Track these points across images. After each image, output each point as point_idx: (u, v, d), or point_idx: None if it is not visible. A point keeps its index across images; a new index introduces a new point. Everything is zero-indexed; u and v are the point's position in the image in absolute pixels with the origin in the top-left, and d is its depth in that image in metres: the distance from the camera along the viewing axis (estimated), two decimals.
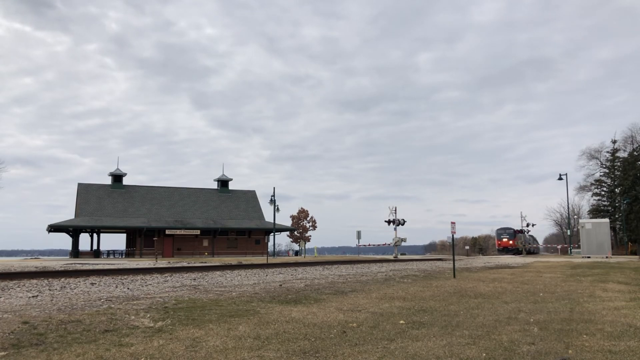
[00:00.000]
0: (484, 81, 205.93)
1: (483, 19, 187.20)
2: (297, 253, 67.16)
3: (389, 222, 40.10)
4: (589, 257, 36.36)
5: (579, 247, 44.75)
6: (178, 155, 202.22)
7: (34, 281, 9.40)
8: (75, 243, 48.48)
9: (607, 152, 71.08)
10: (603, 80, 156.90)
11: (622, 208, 61.60)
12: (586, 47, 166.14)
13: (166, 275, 12.05)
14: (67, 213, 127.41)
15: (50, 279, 9.95)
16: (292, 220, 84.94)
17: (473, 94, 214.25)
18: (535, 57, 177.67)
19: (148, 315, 5.44)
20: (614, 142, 69.70)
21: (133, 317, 5.32)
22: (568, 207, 57.54)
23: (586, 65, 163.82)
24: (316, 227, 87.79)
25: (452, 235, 15.09)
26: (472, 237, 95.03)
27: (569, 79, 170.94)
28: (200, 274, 12.71)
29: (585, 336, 4.94)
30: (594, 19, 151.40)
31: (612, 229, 61.65)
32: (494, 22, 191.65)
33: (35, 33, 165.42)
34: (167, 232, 48.53)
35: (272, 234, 51.59)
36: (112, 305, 6.08)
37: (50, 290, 7.87)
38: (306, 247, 60.34)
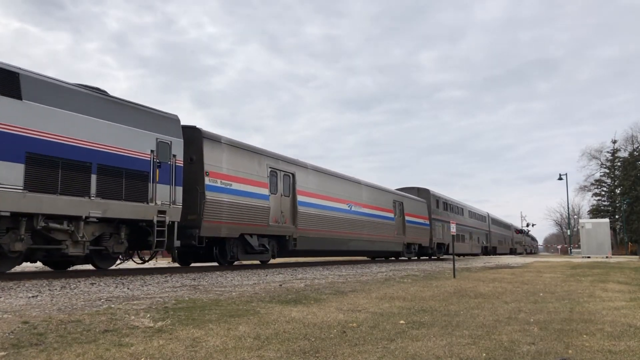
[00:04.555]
0: (486, 80, 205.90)
1: (486, 17, 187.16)
2: None
3: None
4: (589, 257, 36.39)
5: (579, 247, 44.78)
6: None
7: (34, 281, 9.39)
8: None
9: (608, 152, 71.21)
10: (607, 79, 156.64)
11: (622, 208, 61.63)
12: (590, 46, 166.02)
13: (166, 275, 12.05)
14: None
15: (50, 279, 9.95)
16: None
17: (475, 93, 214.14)
18: (538, 56, 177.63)
19: (148, 315, 5.44)
20: (614, 142, 69.81)
21: (133, 317, 5.32)
22: (568, 207, 57.60)
23: (590, 64, 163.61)
24: None
25: (452, 236, 15.10)
26: None
27: (573, 77, 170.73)
28: (200, 274, 12.71)
29: (585, 336, 4.94)
30: (598, 18, 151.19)
31: (612, 229, 61.75)
32: (497, 21, 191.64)
33: (34, 31, 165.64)
34: None
35: None
36: (112, 305, 6.08)
37: (50, 290, 7.87)
38: None
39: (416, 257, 31.43)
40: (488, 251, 49.43)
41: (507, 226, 63.56)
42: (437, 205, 33.17)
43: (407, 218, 27.35)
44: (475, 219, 44.42)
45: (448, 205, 36.01)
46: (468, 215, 41.74)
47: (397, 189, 30.03)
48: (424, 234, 29.98)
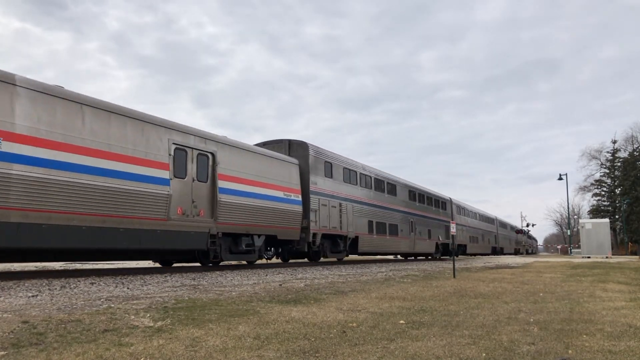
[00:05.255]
0: (487, 80, 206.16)
1: (487, 17, 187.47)
2: None
3: None
4: (589, 257, 36.41)
5: (579, 247, 44.80)
6: None
7: (34, 281, 9.39)
8: None
9: (607, 152, 71.27)
10: (608, 79, 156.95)
11: (622, 208, 61.65)
12: (591, 46, 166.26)
13: (166, 274, 12.05)
14: None
15: (50, 279, 9.95)
16: None
17: (476, 93, 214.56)
18: (539, 55, 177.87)
19: (148, 315, 5.44)
20: (614, 142, 69.87)
21: (133, 317, 5.32)
22: (568, 207, 57.60)
23: (591, 64, 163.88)
24: None
25: (453, 236, 15.11)
26: None
27: (573, 77, 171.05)
28: (200, 273, 12.71)
29: (585, 336, 4.94)
30: (598, 18, 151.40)
31: (613, 229, 61.78)
32: (497, 21, 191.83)
33: (35, 31, 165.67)
34: None
35: None
36: (112, 305, 6.08)
37: (50, 289, 7.87)
38: None
39: (279, 260, 19.60)
40: (450, 250, 35.10)
41: (487, 219, 50.11)
42: (327, 171, 19.68)
43: (227, 186, 14.41)
44: (423, 203, 30.86)
45: (357, 175, 22.12)
46: (407, 196, 28.28)
47: (257, 144, 18.75)
48: (288, 218, 16.93)
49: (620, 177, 66.71)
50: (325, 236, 19.19)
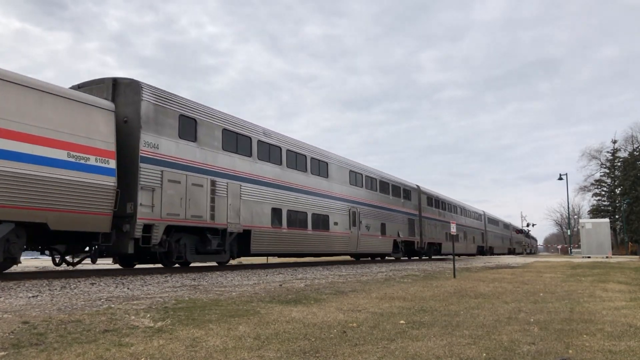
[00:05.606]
0: (487, 80, 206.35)
1: (487, 17, 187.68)
2: None
3: None
4: (589, 257, 36.42)
5: (579, 247, 44.78)
6: None
7: (34, 281, 9.39)
8: None
9: (607, 152, 71.27)
10: (608, 79, 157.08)
11: (622, 208, 61.64)
12: (591, 46, 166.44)
13: (166, 275, 12.05)
14: None
15: (50, 279, 9.95)
16: None
17: (476, 93, 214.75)
18: (539, 55, 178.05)
19: (148, 315, 5.44)
20: (614, 142, 69.88)
21: (133, 317, 5.32)
22: (568, 207, 57.57)
23: (591, 64, 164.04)
24: None
25: (453, 236, 15.11)
26: None
27: (573, 77, 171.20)
28: (200, 274, 12.71)
29: (585, 336, 4.94)
30: (599, 18, 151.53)
31: (613, 229, 61.75)
32: (498, 21, 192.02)
33: (35, 31, 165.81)
34: None
35: None
36: (112, 305, 6.08)
37: (50, 290, 7.87)
38: None
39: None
40: (417, 249, 28.86)
41: (471, 214, 42.80)
42: (186, 130, 13.39)
43: None
44: (374, 189, 24.18)
45: (253, 144, 15.71)
46: (347, 179, 21.70)
47: (73, 86, 12.64)
48: (78, 196, 10.34)
49: (620, 177, 66.70)
50: (180, 229, 13.01)
